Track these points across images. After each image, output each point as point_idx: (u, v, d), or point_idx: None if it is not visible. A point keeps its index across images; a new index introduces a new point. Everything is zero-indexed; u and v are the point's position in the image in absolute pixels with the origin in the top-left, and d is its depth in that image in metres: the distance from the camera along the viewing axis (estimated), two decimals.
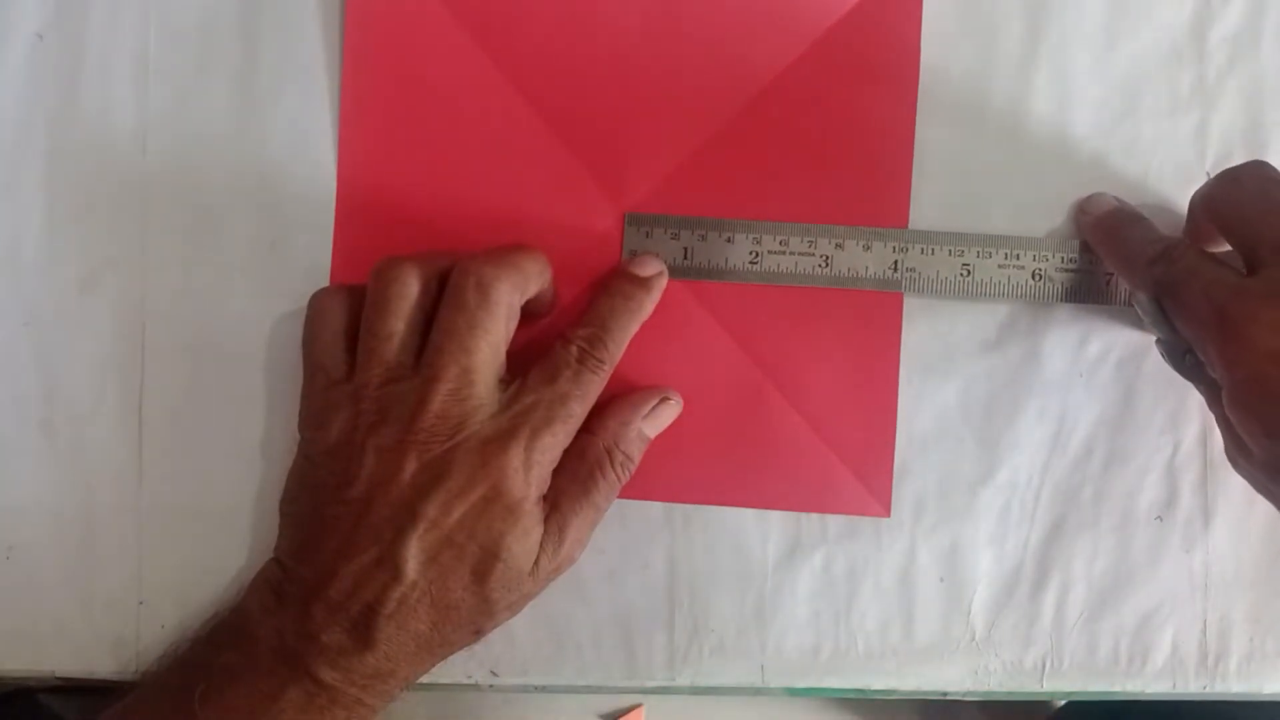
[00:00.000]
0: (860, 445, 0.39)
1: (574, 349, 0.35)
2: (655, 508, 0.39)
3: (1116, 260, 0.37)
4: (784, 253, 0.38)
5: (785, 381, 0.39)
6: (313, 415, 0.35)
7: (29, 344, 0.38)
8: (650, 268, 0.38)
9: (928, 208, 0.39)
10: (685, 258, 0.38)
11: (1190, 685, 0.39)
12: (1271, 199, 0.32)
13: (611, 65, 0.38)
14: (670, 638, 0.39)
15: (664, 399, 0.38)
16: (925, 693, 0.39)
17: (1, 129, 0.38)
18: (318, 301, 0.36)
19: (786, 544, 0.39)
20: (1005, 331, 0.39)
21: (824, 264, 0.38)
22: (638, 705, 0.98)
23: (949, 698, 0.40)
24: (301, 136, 0.38)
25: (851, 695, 0.40)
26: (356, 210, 0.38)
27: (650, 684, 0.39)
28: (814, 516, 0.39)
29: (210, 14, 0.38)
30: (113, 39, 0.38)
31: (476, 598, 0.33)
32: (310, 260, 0.39)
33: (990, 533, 0.39)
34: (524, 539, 0.33)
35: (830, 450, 0.39)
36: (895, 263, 0.38)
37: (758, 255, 0.38)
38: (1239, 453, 0.34)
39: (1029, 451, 0.39)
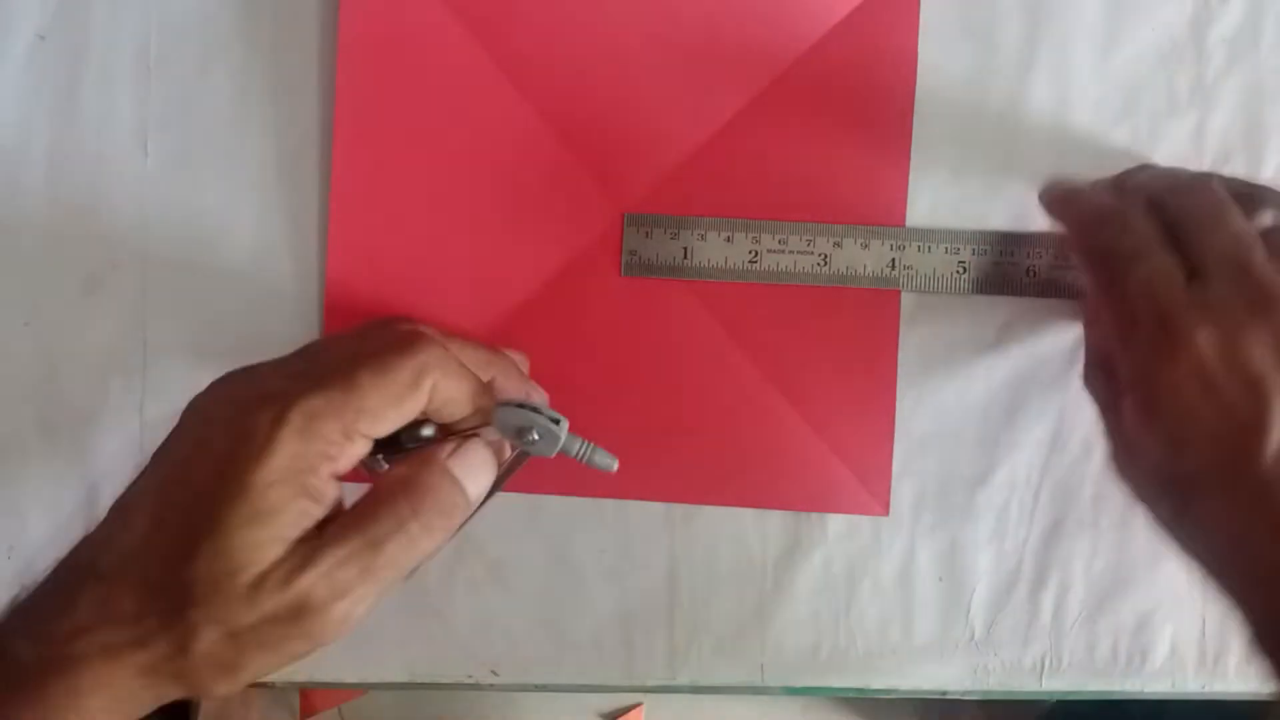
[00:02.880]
0: (859, 445, 0.39)
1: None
2: (655, 508, 0.39)
3: (1067, 218, 0.35)
4: (783, 251, 0.38)
5: (785, 381, 0.39)
6: None
7: (30, 344, 0.38)
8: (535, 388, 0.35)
9: (926, 208, 0.39)
10: (685, 257, 0.38)
11: (1189, 684, 0.39)
12: (1224, 218, 0.32)
13: (611, 65, 0.38)
14: (670, 637, 0.39)
15: (467, 438, 0.32)
16: (925, 692, 0.40)
17: (2, 129, 0.38)
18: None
19: (786, 544, 0.39)
20: (1004, 331, 0.39)
21: (822, 262, 0.38)
22: (638, 704, 0.98)
23: (948, 697, 0.40)
24: (300, 135, 0.39)
25: (851, 694, 0.40)
26: (352, 208, 0.38)
27: (650, 683, 0.39)
28: (813, 516, 0.39)
29: (210, 14, 0.38)
30: (114, 40, 0.38)
31: (178, 582, 0.27)
32: (309, 258, 0.39)
33: (989, 532, 0.39)
34: (252, 524, 0.27)
35: (829, 450, 0.39)
36: (893, 260, 0.38)
37: (757, 254, 0.38)
38: (1128, 462, 0.33)
39: (1028, 451, 0.39)
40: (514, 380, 0.35)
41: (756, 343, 0.39)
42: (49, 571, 0.29)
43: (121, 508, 0.29)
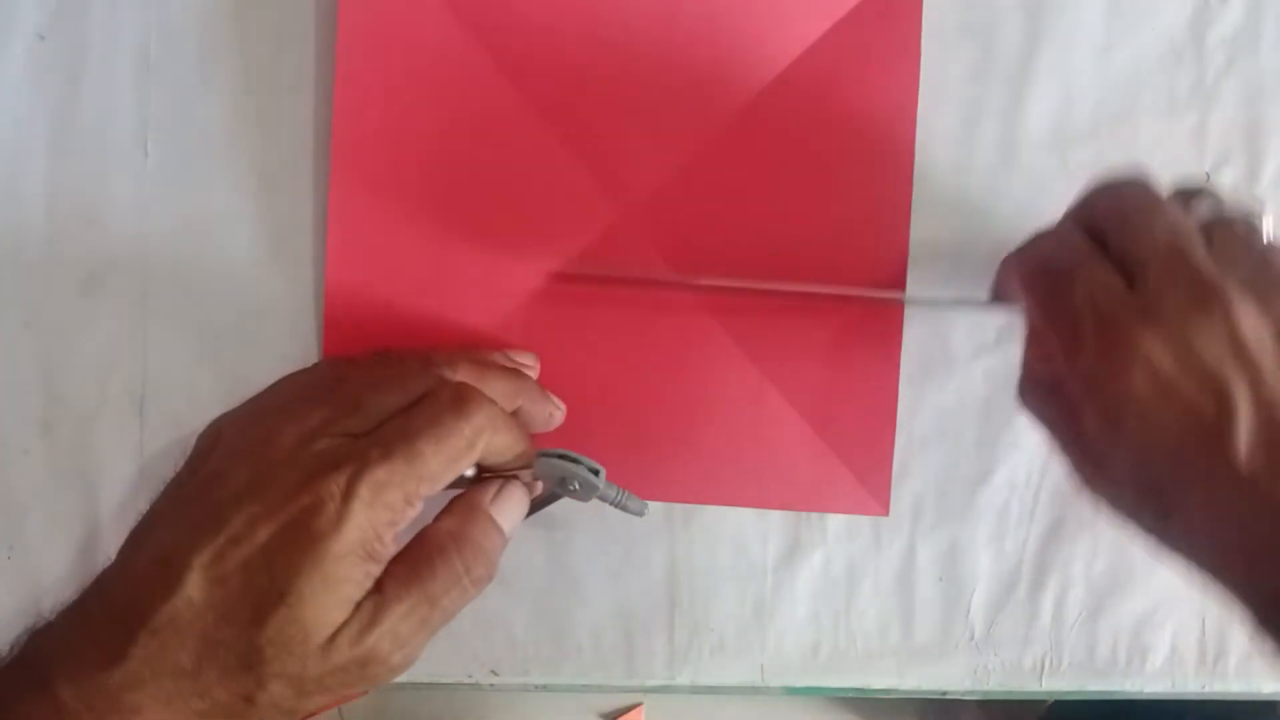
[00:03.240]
0: (860, 445, 0.39)
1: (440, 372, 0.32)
2: (655, 508, 0.39)
3: (1011, 261, 0.34)
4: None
5: (785, 381, 0.39)
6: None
7: (30, 344, 0.38)
8: (555, 399, 0.37)
9: (928, 208, 0.39)
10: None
11: (1189, 684, 0.39)
12: (1157, 213, 0.30)
13: (611, 64, 0.38)
14: (670, 637, 0.39)
15: (507, 482, 0.33)
16: (925, 692, 0.40)
17: (2, 129, 0.38)
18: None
19: (786, 544, 0.39)
20: (1004, 332, 0.39)
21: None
22: (638, 704, 0.98)
23: (948, 697, 0.40)
24: (301, 135, 0.38)
25: (851, 694, 0.40)
26: (352, 207, 0.38)
27: (650, 683, 0.39)
28: (813, 516, 0.39)
29: (210, 14, 0.38)
30: (113, 39, 0.38)
31: (247, 644, 0.28)
32: (308, 257, 0.39)
33: (989, 532, 0.39)
34: (323, 592, 0.28)
35: (830, 450, 0.39)
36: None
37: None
38: (1097, 476, 0.32)
39: (1028, 451, 0.39)
40: (539, 404, 0.36)
41: (757, 343, 0.39)
42: (75, 608, 0.29)
43: (167, 559, 0.28)
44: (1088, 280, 0.30)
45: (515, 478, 0.33)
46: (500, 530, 0.32)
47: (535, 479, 0.34)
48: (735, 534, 0.39)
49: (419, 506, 0.30)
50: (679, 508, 0.39)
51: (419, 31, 0.38)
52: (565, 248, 0.39)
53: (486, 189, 0.38)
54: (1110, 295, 0.29)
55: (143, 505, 0.37)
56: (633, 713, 0.98)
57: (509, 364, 0.36)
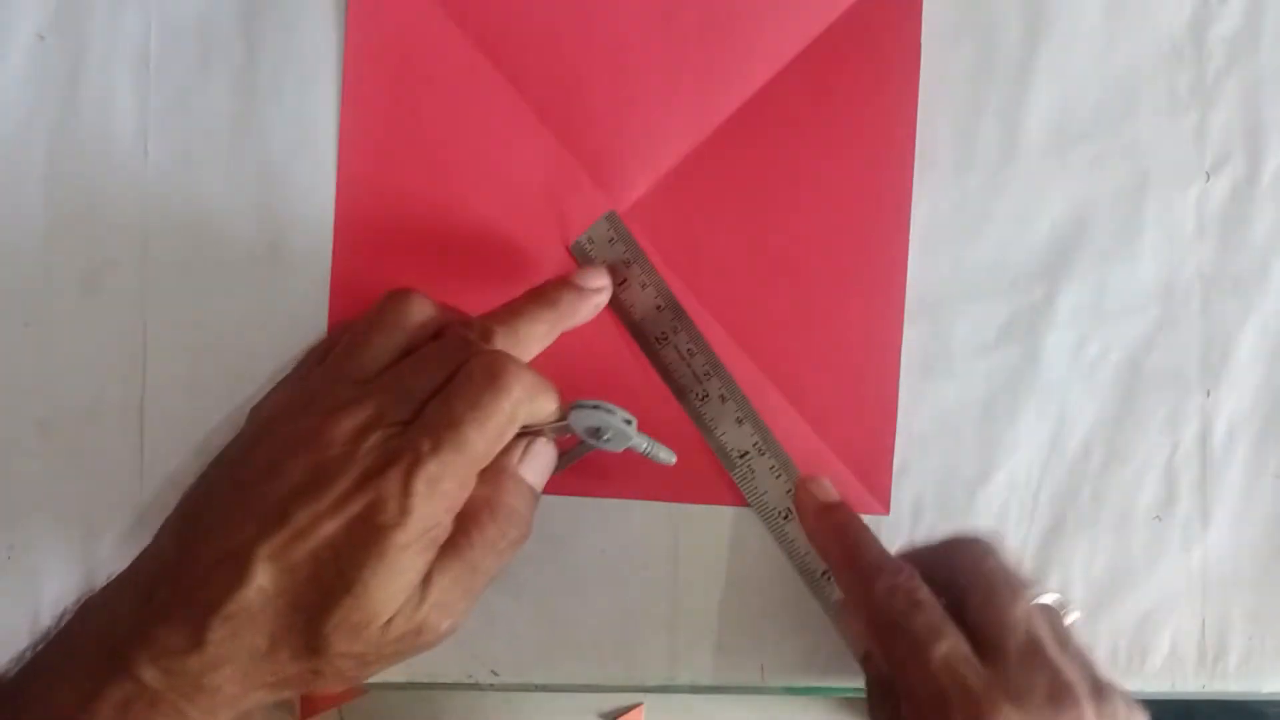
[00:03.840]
0: (860, 444, 0.39)
1: (472, 349, 0.32)
2: (655, 508, 0.39)
3: (841, 565, 0.35)
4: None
5: (785, 381, 0.39)
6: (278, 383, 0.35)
7: (29, 344, 0.38)
8: (594, 280, 0.37)
9: (930, 205, 0.39)
10: None
11: (1189, 684, 0.39)
12: (1019, 597, 0.32)
13: (610, 64, 0.38)
14: (670, 637, 0.39)
15: (532, 439, 0.34)
16: None
17: (3, 129, 0.38)
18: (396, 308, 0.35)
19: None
20: (1004, 332, 0.39)
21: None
22: (638, 704, 0.98)
23: None
24: (302, 136, 0.39)
25: (851, 694, 0.40)
26: (357, 209, 0.38)
27: (650, 683, 0.39)
28: None
29: (210, 13, 0.38)
30: (113, 39, 0.38)
31: (314, 631, 0.29)
32: (310, 259, 0.39)
33: (989, 532, 0.39)
34: (388, 581, 0.30)
35: (830, 450, 0.39)
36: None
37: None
38: None
39: (1028, 451, 0.39)
40: (582, 310, 0.36)
41: (757, 342, 0.39)
42: (137, 590, 0.30)
43: (234, 550, 0.29)
44: (949, 651, 0.31)
45: (540, 432, 0.34)
46: (531, 488, 0.34)
47: (569, 431, 0.34)
48: (735, 534, 0.39)
49: (473, 485, 0.32)
50: (679, 508, 0.39)
51: (421, 33, 0.38)
52: (564, 249, 0.39)
53: (488, 188, 0.38)
54: (971, 670, 0.31)
55: (142, 505, 0.37)
56: (633, 713, 0.98)
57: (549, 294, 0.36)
